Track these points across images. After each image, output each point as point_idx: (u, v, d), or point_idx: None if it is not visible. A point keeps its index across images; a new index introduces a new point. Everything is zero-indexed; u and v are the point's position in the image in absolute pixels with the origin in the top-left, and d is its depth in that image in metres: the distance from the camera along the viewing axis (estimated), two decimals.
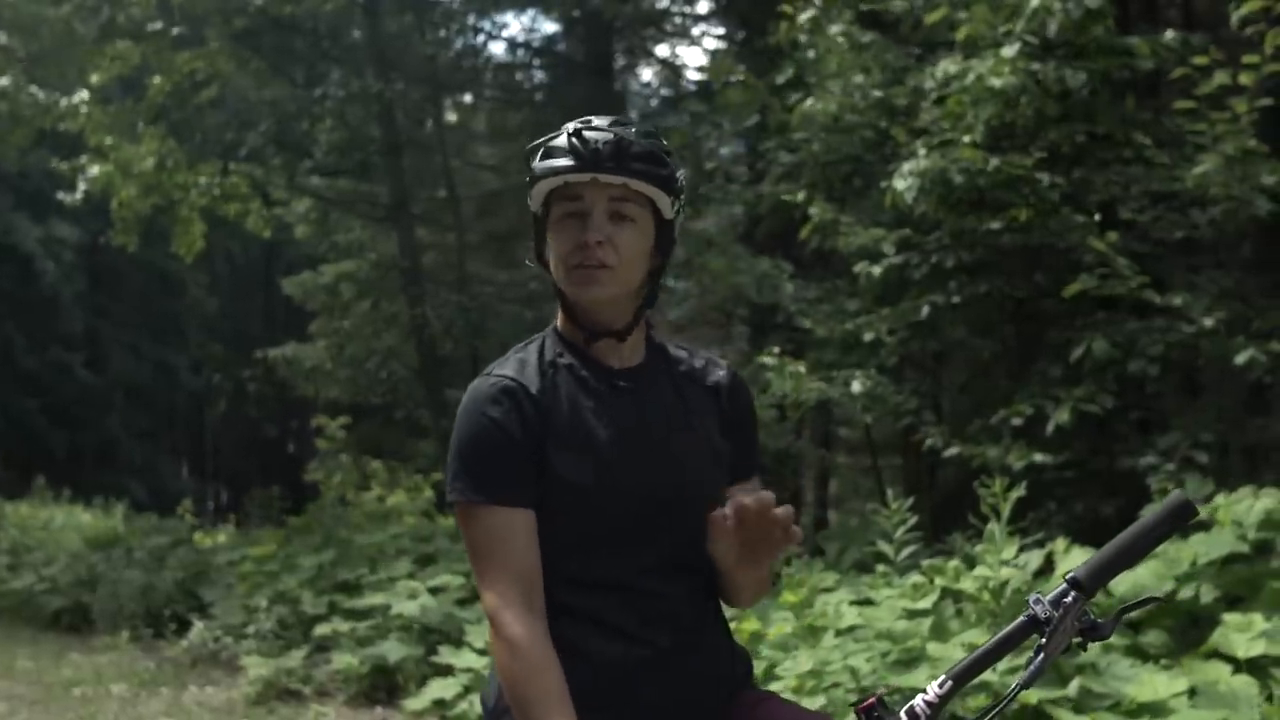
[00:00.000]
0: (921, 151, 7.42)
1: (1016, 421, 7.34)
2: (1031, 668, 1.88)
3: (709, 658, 2.25)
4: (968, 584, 5.78)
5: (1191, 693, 4.81)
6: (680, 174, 2.22)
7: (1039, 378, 7.80)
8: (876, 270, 7.97)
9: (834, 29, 8.39)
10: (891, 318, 8.04)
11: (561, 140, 2.17)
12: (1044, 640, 1.89)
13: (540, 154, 2.19)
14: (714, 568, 2.24)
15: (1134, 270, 7.06)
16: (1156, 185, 7.51)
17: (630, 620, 2.18)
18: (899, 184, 7.38)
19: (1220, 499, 5.79)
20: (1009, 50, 7.19)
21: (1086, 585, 1.93)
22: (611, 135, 2.14)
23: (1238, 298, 7.53)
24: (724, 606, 2.35)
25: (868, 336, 8.05)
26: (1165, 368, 7.35)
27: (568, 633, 2.15)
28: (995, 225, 7.60)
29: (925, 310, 7.92)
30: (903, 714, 1.90)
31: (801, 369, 7.89)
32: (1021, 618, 1.92)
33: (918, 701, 1.90)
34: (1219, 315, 7.05)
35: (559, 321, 2.28)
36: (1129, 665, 5.07)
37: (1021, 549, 6.01)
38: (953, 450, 7.30)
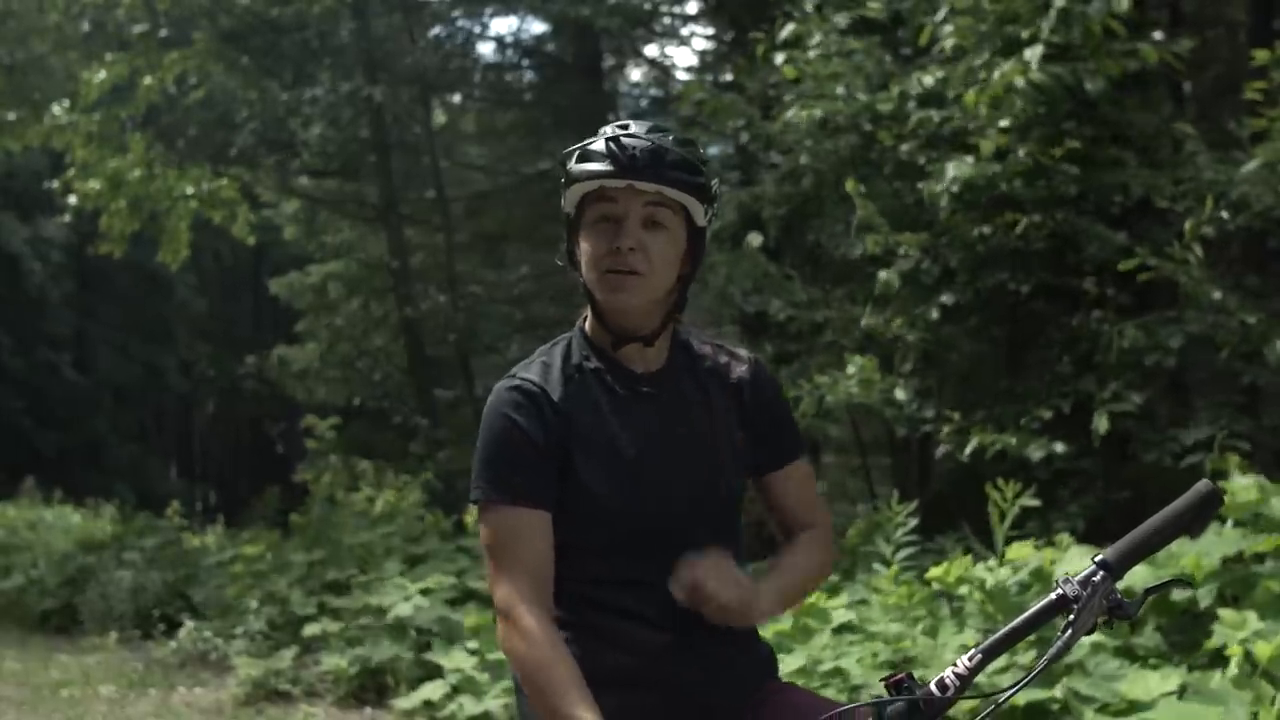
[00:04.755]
0: (970, 159, 7.43)
1: (1035, 426, 7.36)
2: (1060, 642, 1.91)
3: (731, 640, 2.28)
4: (963, 585, 5.78)
5: (1182, 692, 4.81)
6: (715, 183, 2.24)
7: (1049, 375, 7.83)
8: (896, 278, 7.96)
9: (816, 38, 8.39)
10: (904, 323, 8.03)
11: (599, 145, 2.18)
12: (1072, 618, 1.93)
13: (576, 156, 2.21)
14: (739, 561, 2.32)
15: (1203, 263, 7.08)
16: (1164, 186, 7.53)
17: (655, 611, 2.22)
18: (937, 187, 7.43)
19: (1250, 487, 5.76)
20: (1031, 54, 7.21)
21: (1114, 567, 1.96)
22: (649, 142, 2.16)
23: (1254, 295, 7.56)
24: None
25: (911, 337, 8.01)
26: (1184, 362, 7.40)
27: (599, 623, 2.22)
28: (1012, 227, 7.61)
29: (935, 312, 7.92)
30: (933, 686, 1.92)
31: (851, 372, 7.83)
32: (1051, 595, 1.96)
33: (948, 673, 1.94)
34: (1253, 313, 7.08)
35: (586, 323, 2.30)
36: (1118, 665, 5.07)
37: (1042, 544, 6.01)
38: (971, 442, 7.28)
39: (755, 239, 8.91)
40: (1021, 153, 7.36)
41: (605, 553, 2.23)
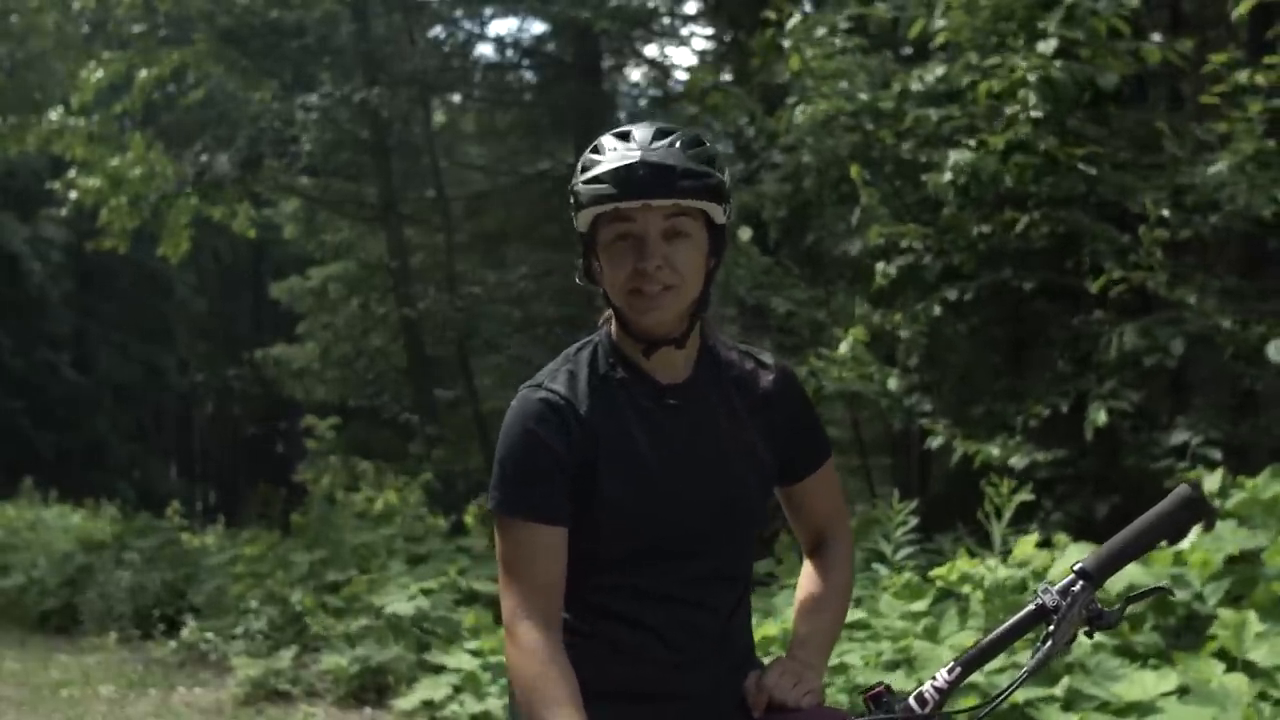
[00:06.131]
0: (971, 144, 7.42)
1: (1033, 423, 7.37)
2: (1039, 654, 1.90)
3: (737, 655, 2.30)
4: (966, 584, 5.79)
5: (1181, 692, 4.82)
6: (727, 175, 2.19)
7: (1049, 375, 7.83)
8: (893, 269, 7.95)
9: (819, 32, 8.40)
10: (903, 318, 8.02)
11: (605, 166, 2.12)
12: (1052, 628, 1.91)
13: (583, 175, 2.15)
14: (750, 576, 2.34)
15: (1166, 266, 7.09)
16: (1154, 188, 7.54)
17: (670, 626, 2.22)
18: (945, 177, 7.42)
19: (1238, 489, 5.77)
20: (1046, 46, 7.20)
21: (1094, 575, 1.95)
22: (655, 156, 2.10)
23: (1237, 298, 7.57)
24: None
25: (904, 333, 8.01)
26: (1192, 362, 7.41)
27: (613, 634, 2.22)
28: (1012, 225, 7.61)
29: (937, 308, 7.92)
30: (911, 700, 1.91)
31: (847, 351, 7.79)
32: (1030, 606, 1.94)
33: (927, 687, 1.93)
34: (1237, 315, 7.09)
35: (613, 330, 2.26)
36: (1118, 664, 5.08)
37: (1038, 545, 6.02)
38: (957, 451, 7.30)
39: (745, 233, 8.92)
40: (1042, 146, 7.34)
41: (625, 564, 2.22)
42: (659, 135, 2.14)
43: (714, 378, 2.29)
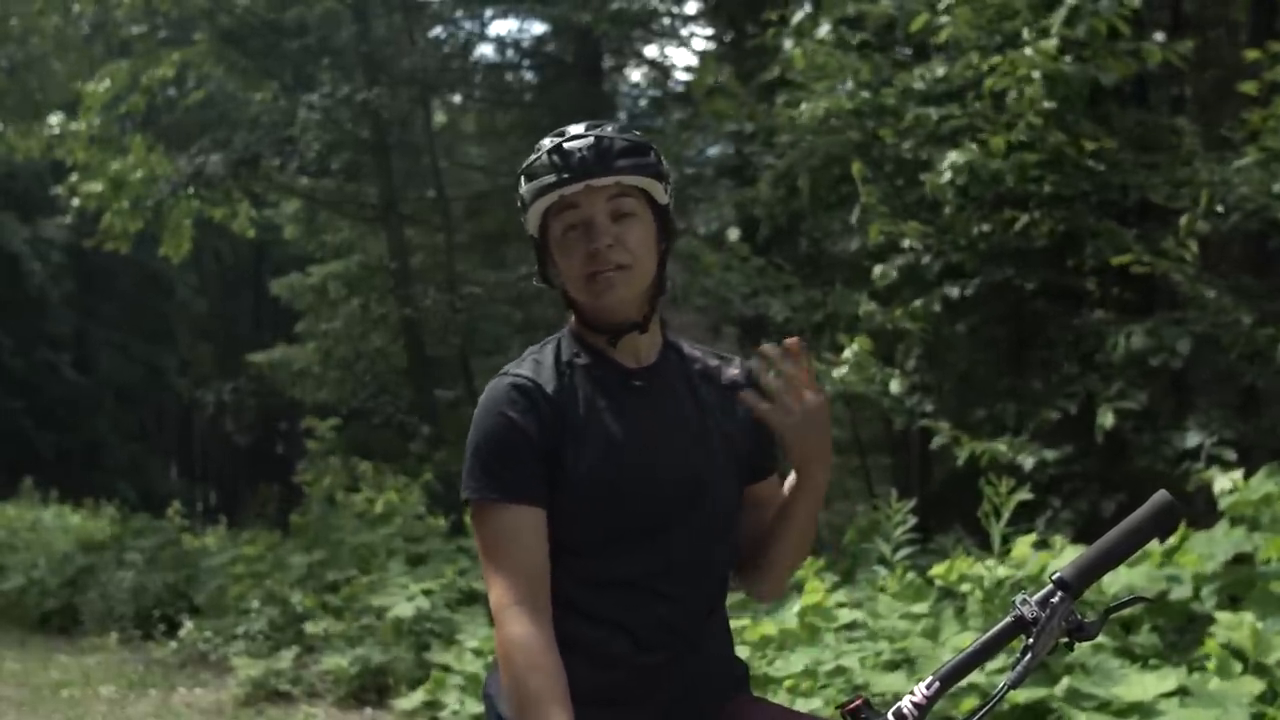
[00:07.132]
0: (973, 146, 7.42)
1: (1042, 428, 7.37)
2: (1018, 668, 1.87)
3: (714, 660, 2.28)
4: (965, 584, 5.78)
5: (1181, 692, 4.82)
6: (664, 162, 2.25)
7: (1056, 376, 7.83)
8: (893, 271, 7.95)
9: (822, 30, 8.40)
10: (904, 314, 8.01)
11: (543, 159, 2.18)
12: (1031, 640, 1.89)
13: (525, 178, 2.22)
14: (728, 568, 2.31)
15: (1197, 259, 7.08)
16: (1159, 186, 7.53)
17: (644, 623, 2.20)
18: (944, 176, 7.41)
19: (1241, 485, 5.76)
20: (1048, 43, 7.21)
21: (1073, 585, 1.92)
22: (591, 139, 2.17)
23: (1245, 296, 7.57)
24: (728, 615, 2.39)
25: (910, 325, 7.99)
26: (1197, 362, 7.40)
27: (583, 633, 2.19)
28: (1011, 224, 7.61)
29: (937, 305, 7.91)
30: (890, 715, 1.89)
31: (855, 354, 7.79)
32: (1008, 618, 1.91)
33: (905, 703, 1.89)
34: (1250, 313, 7.08)
35: (574, 325, 2.29)
36: (1119, 665, 5.08)
37: (1036, 545, 6.01)
38: (963, 450, 7.28)
39: (733, 233, 8.92)
40: (1050, 140, 7.34)
41: (595, 551, 2.20)
42: (592, 125, 2.21)
43: (680, 368, 2.32)
